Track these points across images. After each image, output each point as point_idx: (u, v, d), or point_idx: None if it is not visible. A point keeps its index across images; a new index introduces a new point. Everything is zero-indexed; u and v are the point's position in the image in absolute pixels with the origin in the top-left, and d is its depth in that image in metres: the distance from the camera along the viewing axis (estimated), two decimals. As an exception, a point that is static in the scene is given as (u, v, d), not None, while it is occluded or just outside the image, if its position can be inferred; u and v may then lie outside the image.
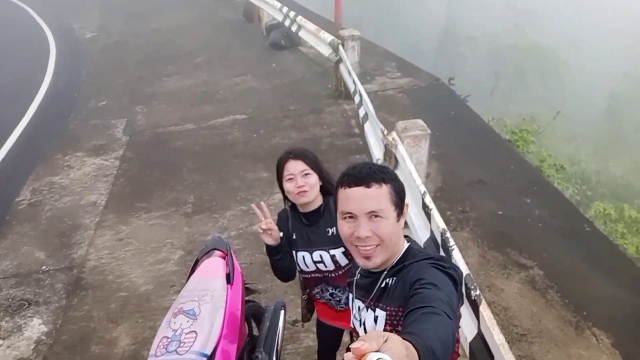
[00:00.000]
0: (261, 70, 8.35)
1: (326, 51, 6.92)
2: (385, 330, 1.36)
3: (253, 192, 5.00)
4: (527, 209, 4.51)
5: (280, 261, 2.21)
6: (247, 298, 3.03)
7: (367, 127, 4.99)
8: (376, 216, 1.32)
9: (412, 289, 1.24)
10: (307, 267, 2.19)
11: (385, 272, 1.41)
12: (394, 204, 1.34)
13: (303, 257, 2.18)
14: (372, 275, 1.45)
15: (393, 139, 3.92)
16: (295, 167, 2.07)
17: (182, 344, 2.25)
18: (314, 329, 3.38)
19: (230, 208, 4.83)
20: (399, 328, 1.31)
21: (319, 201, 2.13)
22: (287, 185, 2.09)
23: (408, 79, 7.42)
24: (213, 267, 2.70)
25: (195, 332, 2.30)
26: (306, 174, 2.07)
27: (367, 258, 1.35)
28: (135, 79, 8.60)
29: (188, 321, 2.35)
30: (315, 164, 2.11)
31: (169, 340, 2.27)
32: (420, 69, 7.75)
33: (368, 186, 1.32)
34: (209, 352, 2.24)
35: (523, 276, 3.69)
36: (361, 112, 5.28)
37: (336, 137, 5.95)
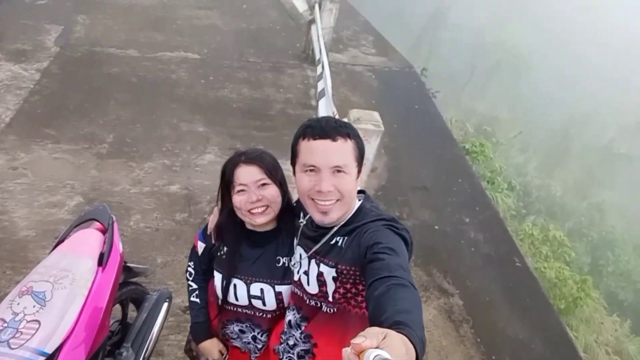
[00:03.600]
0: (229, 8, 7.58)
1: (301, 6, 6.32)
2: (336, 287, 1.35)
3: (182, 147, 4.46)
4: (464, 228, 4.29)
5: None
6: (130, 280, 2.61)
7: (322, 103, 4.53)
8: (339, 171, 1.30)
9: (371, 252, 1.22)
10: (237, 299, 1.64)
11: (335, 230, 1.38)
12: (356, 159, 1.33)
13: (235, 286, 1.63)
14: (319, 230, 1.42)
15: (342, 128, 3.50)
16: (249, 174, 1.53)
17: (17, 334, 1.81)
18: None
19: (152, 159, 4.28)
20: (348, 286, 1.33)
21: (275, 221, 1.62)
22: (237, 199, 1.54)
23: (381, 59, 6.95)
24: (85, 243, 2.25)
25: (38, 322, 1.86)
26: (263, 184, 1.54)
27: (325, 213, 1.34)
28: (85, -18, 7.58)
29: (34, 306, 1.90)
30: (274, 171, 1.56)
31: (5, 325, 1.83)
32: (395, 51, 7.28)
33: (334, 140, 1.29)
34: (49, 350, 1.81)
35: (442, 303, 3.47)
36: (319, 86, 4.80)
37: (290, 105, 5.45)
